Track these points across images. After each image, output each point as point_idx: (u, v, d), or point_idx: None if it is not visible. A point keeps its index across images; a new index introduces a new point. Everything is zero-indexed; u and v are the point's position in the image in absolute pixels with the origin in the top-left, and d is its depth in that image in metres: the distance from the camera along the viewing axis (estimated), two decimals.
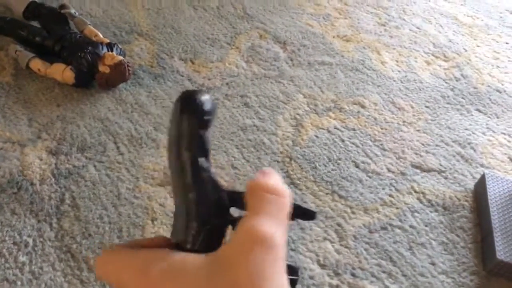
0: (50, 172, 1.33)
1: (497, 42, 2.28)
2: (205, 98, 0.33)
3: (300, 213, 0.37)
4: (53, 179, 1.31)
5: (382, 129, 1.66)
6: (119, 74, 1.55)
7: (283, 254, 0.28)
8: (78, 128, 1.45)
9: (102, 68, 1.54)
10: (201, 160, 0.34)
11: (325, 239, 1.29)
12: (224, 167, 1.43)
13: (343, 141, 1.60)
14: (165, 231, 1.21)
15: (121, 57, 1.56)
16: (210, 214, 0.33)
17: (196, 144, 0.33)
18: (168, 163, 0.36)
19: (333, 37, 2.10)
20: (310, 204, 1.39)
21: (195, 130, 0.33)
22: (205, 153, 0.34)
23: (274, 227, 0.29)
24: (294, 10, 2.24)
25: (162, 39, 1.89)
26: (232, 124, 1.59)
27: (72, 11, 1.80)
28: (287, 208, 0.32)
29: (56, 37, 1.61)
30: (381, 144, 1.60)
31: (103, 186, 1.29)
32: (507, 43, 2.28)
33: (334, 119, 1.68)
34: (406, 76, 1.92)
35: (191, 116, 0.32)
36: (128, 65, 1.55)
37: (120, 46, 1.68)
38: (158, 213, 1.25)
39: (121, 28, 1.91)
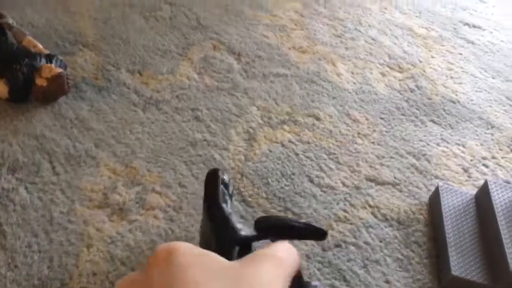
0: None
1: (451, 53, 2.30)
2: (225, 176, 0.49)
3: (311, 232, 0.40)
4: None
5: (337, 141, 1.63)
6: (58, 87, 1.45)
7: (290, 274, 0.32)
8: (10, 146, 1.34)
9: (39, 81, 1.44)
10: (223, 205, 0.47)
11: None
12: (171, 186, 1.35)
13: (297, 155, 1.55)
14: (101, 259, 1.12)
15: (60, 69, 1.46)
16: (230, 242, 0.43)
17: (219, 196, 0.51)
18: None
19: (289, 48, 2.06)
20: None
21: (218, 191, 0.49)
22: (225, 201, 0.49)
23: (286, 252, 0.33)
24: (250, 21, 2.19)
25: (109, 50, 1.79)
26: (181, 139, 1.51)
27: (10, 21, 1.68)
28: (296, 263, 0.35)
29: None
30: (336, 158, 1.56)
31: (34, 210, 1.18)
32: (460, 54, 2.31)
33: (289, 132, 1.63)
34: (361, 88, 1.90)
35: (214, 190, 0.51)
36: (67, 78, 1.46)
37: (60, 58, 1.58)
38: (95, 239, 1.15)
39: (64, 38, 1.81)
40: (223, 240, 0.40)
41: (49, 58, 1.53)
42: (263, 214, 1.34)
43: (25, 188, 1.23)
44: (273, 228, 0.39)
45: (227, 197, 0.49)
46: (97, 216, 1.20)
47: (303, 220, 0.38)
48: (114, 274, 1.12)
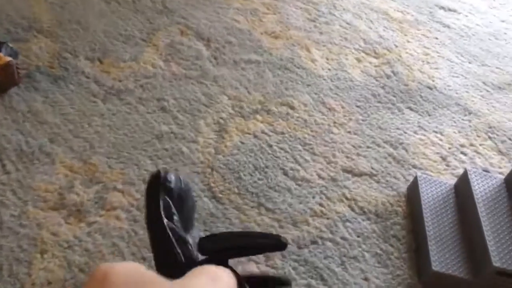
0: None
1: (427, 37, 2.25)
2: (171, 174, 0.42)
3: (267, 244, 0.38)
4: None
5: (312, 131, 1.55)
6: (8, 77, 1.32)
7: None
8: None
9: None
10: (164, 220, 0.37)
11: (249, 260, 1.15)
12: (135, 183, 1.25)
13: (270, 146, 1.47)
14: (57, 266, 1.02)
15: (9, 58, 1.33)
16: (169, 269, 0.36)
17: (159, 209, 0.38)
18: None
19: (261, 33, 1.96)
20: (234, 220, 1.24)
21: (159, 197, 0.39)
22: (170, 216, 0.38)
23: (222, 270, 0.34)
24: (219, 4, 2.08)
25: (66, 37, 1.66)
26: (146, 132, 1.41)
27: None
28: (233, 282, 0.34)
29: None
30: (311, 148, 1.49)
31: None
32: (436, 38, 2.26)
33: (262, 122, 1.55)
34: (336, 75, 1.82)
35: (155, 187, 0.41)
36: (18, 67, 1.33)
37: (11, 45, 1.44)
38: (49, 244, 1.05)
39: (17, 24, 1.67)
40: (161, 265, 0.36)
41: None
42: (236, 212, 1.26)
43: None
44: (221, 252, 0.36)
45: (174, 211, 0.37)
46: (52, 218, 1.09)
47: (257, 232, 0.35)
48: (72, 282, 1.02)
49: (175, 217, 0.37)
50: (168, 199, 0.38)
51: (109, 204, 1.16)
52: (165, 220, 0.36)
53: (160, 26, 1.85)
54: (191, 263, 0.35)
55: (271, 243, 0.37)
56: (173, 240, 0.35)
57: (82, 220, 1.11)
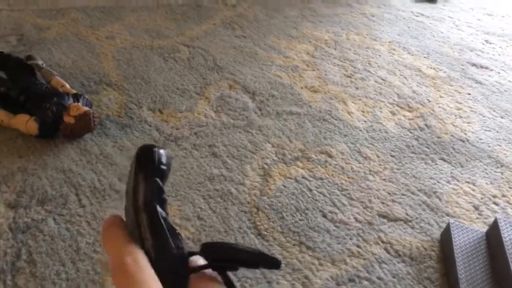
0: (7, 226, 1.27)
1: (460, 93, 2.37)
2: (161, 150, 0.35)
3: (263, 261, 0.36)
4: (10, 234, 1.25)
5: (349, 178, 1.68)
6: (84, 124, 1.53)
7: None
8: (39, 180, 1.41)
9: (67, 119, 1.53)
10: (158, 207, 0.33)
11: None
12: (190, 218, 1.41)
13: (310, 190, 1.60)
14: None
15: (86, 108, 1.55)
16: (169, 262, 0.33)
17: (152, 193, 0.33)
18: (125, 213, 0.35)
19: (301, 88, 2.15)
20: (277, 255, 1.36)
21: (152, 179, 0.33)
22: (161, 201, 0.33)
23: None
24: (264, 62, 2.30)
25: (131, 90, 1.90)
26: (199, 174, 1.58)
27: (39, 62, 1.80)
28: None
29: (21, 88, 1.60)
30: (348, 194, 1.61)
31: (62, 240, 1.24)
32: (469, 94, 2.38)
33: (302, 168, 1.69)
34: (371, 126, 1.97)
35: (147, 166, 0.34)
36: (93, 116, 1.55)
37: (86, 97, 1.67)
38: None
39: (90, 78, 1.92)
40: (155, 258, 0.32)
41: (76, 97, 1.63)
42: (279, 248, 1.38)
43: (54, 219, 1.30)
44: (221, 260, 0.35)
45: (165, 196, 0.34)
46: None
47: (255, 249, 0.35)
48: None
49: (165, 204, 0.33)
50: (159, 181, 0.32)
51: None
52: (159, 208, 0.32)
53: (211, 81, 2.07)
54: (183, 257, 0.33)
55: (268, 262, 0.36)
56: (167, 231, 0.32)
57: None
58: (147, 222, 0.32)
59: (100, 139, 1.61)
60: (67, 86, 1.71)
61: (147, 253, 0.32)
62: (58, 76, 1.76)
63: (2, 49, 1.91)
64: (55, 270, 1.17)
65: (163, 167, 0.33)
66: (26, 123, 1.51)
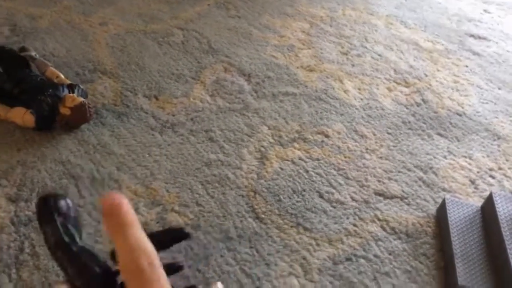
0: (9, 220, 1.30)
1: (457, 65, 2.35)
2: (59, 198, 0.38)
3: (174, 236, 0.39)
4: (12, 228, 1.29)
5: (345, 157, 1.69)
6: (80, 115, 1.54)
7: None
8: (39, 172, 1.44)
9: (63, 110, 1.54)
10: (65, 239, 0.36)
11: (290, 274, 1.29)
12: (189, 205, 1.43)
13: (307, 171, 1.62)
14: None
15: (81, 99, 1.56)
16: (94, 282, 0.36)
17: (58, 231, 0.36)
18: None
19: (297, 67, 2.14)
20: (275, 238, 1.39)
21: (53, 222, 0.37)
22: (71, 235, 0.37)
23: None
24: (259, 42, 2.28)
25: (126, 77, 1.90)
26: (196, 160, 1.59)
27: (33, 53, 1.80)
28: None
29: (16, 80, 1.61)
30: (345, 173, 1.63)
31: None
32: (466, 66, 2.36)
33: (299, 149, 1.70)
34: (368, 104, 1.96)
35: (46, 215, 0.37)
36: (89, 106, 1.56)
37: (81, 87, 1.68)
38: None
39: (84, 67, 1.92)
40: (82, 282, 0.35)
41: (71, 88, 1.64)
42: (277, 231, 1.41)
43: None
44: None
45: (72, 231, 0.37)
46: None
47: (164, 229, 0.38)
48: None
49: (76, 235, 0.36)
50: (61, 219, 0.36)
51: (168, 223, 1.34)
52: (67, 239, 0.35)
53: (206, 64, 2.06)
54: (108, 273, 0.36)
55: (178, 235, 0.38)
56: (82, 256, 0.35)
57: None
58: (63, 257, 0.35)
59: (97, 129, 1.62)
60: (62, 76, 1.71)
61: (72, 282, 0.35)
62: (53, 66, 1.76)
63: None
64: None
65: (63, 210, 0.36)
66: (23, 116, 1.53)
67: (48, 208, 0.37)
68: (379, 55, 2.32)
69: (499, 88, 2.21)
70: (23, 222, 1.30)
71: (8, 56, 1.72)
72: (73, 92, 1.62)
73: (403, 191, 1.59)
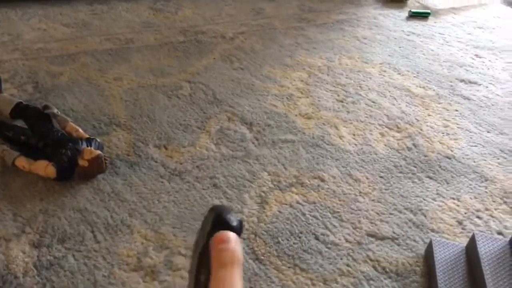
0: (32, 264, 1.45)
1: (447, 110, 2.50)
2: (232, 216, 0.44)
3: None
4: (35, 271, 1.43)
5: (340, 201, 1.82)
6: (97, 166, 1.71)
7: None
8: (59, 220, 1.59)
9: (81, 162, 1.71)
10: None
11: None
12: None
13: (304, 214, 1.75)
14: None
15: (98, 151, 1.73)
16: None
17: None
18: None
19: (295, 115, 2.31)
20: (273, 278, 1.50)
21: None
22: None
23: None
24: (260, 92, 2.47)
25: (138, 128, 2.08)
26: (202, 205, 1.74)
27: (55, 110, 1.99)
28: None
29: (40, 135, 1.79)
30: (339, 216, 1.75)
31: (81, 274, 1.41)
32: (456, 110, 2.51)
33: (296, 194, 1.84)
34: (362, 149, 2.11)
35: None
36: (105, 158, 1.72)
37: (98, 140, 1.86)
38: None
39: (100, 120, 2.11)
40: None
41: (89, 141, 1.81)
42: (275, 271, 1.52)
43: (73, 255, 1.47)
44: None
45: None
46: (133, 278, 1.42)
47: None
48: None
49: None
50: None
51: (175, 265, 1.47)
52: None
53: (211, 114, 2.24)
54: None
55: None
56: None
57: (155, 279, 1.43)
58: None
59: (112, 178, 1.79)
60: (80, 131, 1.89)
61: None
62: (72, 122, 1.95)
63: (20, 98, 2.11)
64: None
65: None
66: (45, 168, 1.70)
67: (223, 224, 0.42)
68: (373, 101, 2.48)
69: (488, 131, 2.34)
70: (45, 266, 1.44)
71: (33, 114, 1.91)
72: (91, 146, 1.79)
73: (394, 232, 1.70)
